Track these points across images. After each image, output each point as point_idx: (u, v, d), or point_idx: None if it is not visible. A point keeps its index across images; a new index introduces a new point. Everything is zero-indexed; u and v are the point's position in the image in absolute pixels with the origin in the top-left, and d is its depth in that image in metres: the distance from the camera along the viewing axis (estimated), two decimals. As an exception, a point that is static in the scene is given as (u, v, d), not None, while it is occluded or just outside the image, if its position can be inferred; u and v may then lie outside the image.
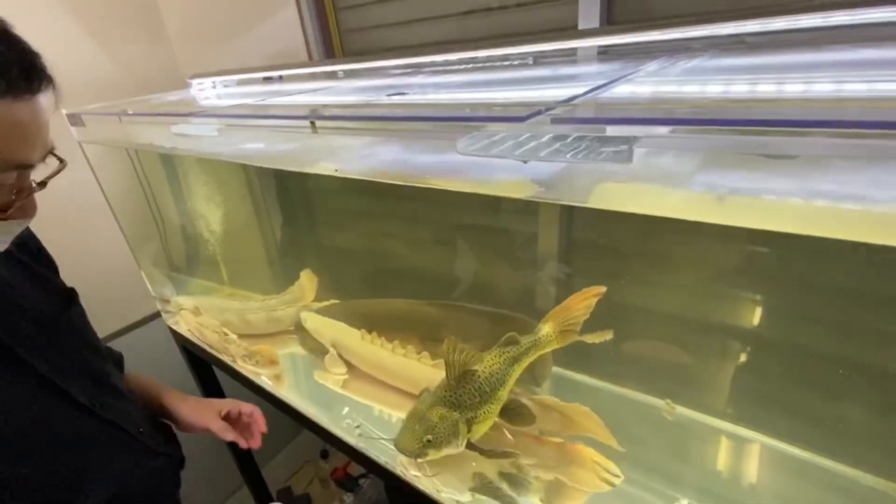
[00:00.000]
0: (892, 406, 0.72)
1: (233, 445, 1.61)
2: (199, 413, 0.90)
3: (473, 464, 0.84)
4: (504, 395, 0.78)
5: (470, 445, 0.77)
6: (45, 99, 0.49)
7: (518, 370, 0.80)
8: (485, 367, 0.76)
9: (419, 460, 0.74)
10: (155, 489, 0.78)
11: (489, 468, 0.84)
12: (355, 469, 1.76)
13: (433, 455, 0.73)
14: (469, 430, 0.74)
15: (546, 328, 0.80)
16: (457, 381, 0.74)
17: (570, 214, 0.96)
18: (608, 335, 0.76)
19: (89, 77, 1.49)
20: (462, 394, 0.73)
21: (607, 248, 0.94)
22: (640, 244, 0.86)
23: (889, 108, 0.33)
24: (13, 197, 0.51)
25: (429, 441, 0.71)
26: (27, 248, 0.71)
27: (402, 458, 0.81)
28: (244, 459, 1.70)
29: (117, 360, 0.90)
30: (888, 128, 0.28)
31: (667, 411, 0.88)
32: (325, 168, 0.59)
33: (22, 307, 0.63)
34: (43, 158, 0.51)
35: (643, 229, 0.82)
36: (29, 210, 0.54)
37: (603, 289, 0.74)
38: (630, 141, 0.33)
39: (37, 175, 0.54)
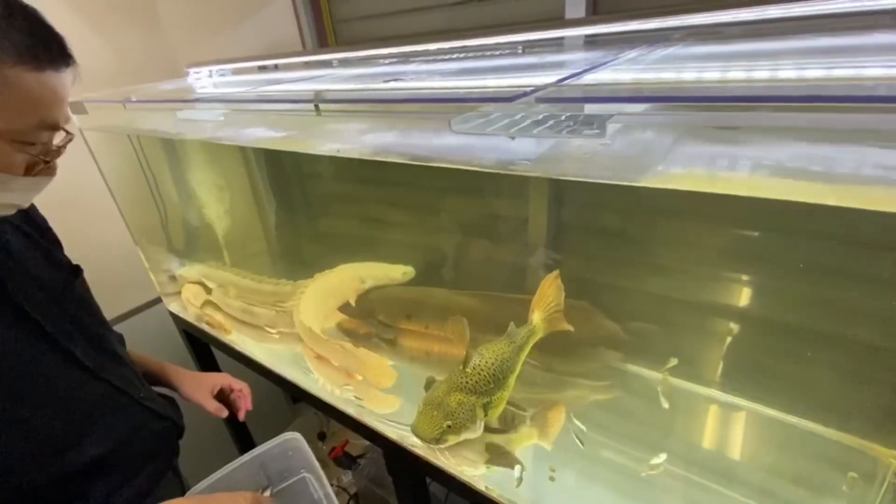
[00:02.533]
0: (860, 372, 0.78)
1: (232, 426, 1.66)
2: (195, 391, 0.97)
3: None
4: (513, 381, 0.81)
5: (491, 429, 0.81)
6: (71, 72, 0.58)
7: (522, 358, 0.83)
8: (497, 355, 0.78)
9: (439, 446, 0.76)
10: (154, 451, 0.83)
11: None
12: (353, 449, 1.81)
13: (453, 440, 0.74)
14: (485, 415, 0.77)
15: (535, 317, 0.83)
16: (472, 367, 0.76)
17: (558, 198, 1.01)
18: (569, 327, 0.84)
19: (85, 66, 1.50)
20: (478, 380, 0.75)
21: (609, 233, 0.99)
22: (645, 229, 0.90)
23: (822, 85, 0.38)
24: (43, 156, 0.59)
25: (449, 427, 0.72)
26: (36, 224, 0.78)
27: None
28: (243, 441, 1.74)
29: (119, 339, 0.95)
30: (819, 101, 0.33)
31: (663, 383, 0.93)
32: (329, 149, 0.63)
33: (33, 276, 0.69)
34: (66, 122, 0.60)
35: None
36: (53, 170, 0.63)
37: (556, 271, 0.81)
38: (603, 118, 0.38)
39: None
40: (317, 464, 0.83)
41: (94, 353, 0.74)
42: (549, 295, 0.83)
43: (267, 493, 0.80)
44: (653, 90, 0.40)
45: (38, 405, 0.65)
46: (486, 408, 0.75)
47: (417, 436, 0.74)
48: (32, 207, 0.80)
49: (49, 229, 0.81)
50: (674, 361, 0.86)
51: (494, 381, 0.76)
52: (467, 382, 0.75)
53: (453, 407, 0.73)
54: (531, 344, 0.84)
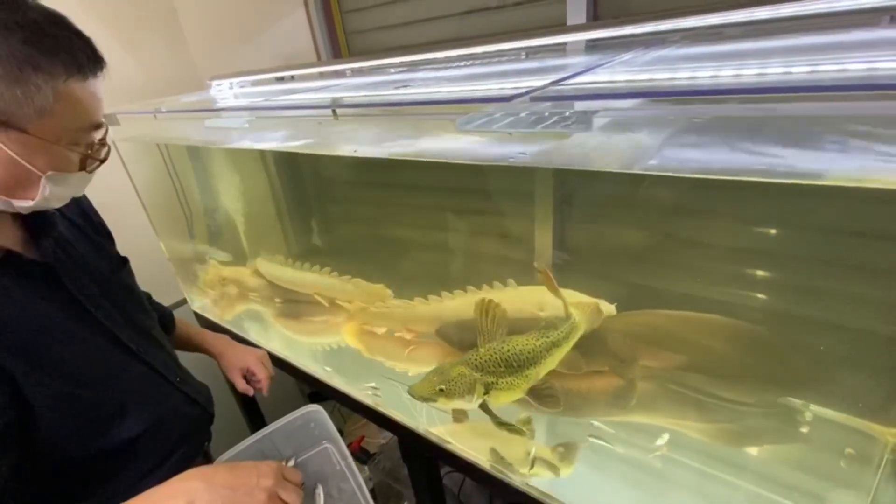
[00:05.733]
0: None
1: (251, 420, 1.72)
2: (229, 367, 1.06)
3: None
4: (535, 374, 0.82)
5: (488, 411, 0.82)
6: (104, 73, 0.64)
7: (557, 355, 0.83)
8: (519, 344, 0.81)
9: (428, 404, 0.81)
10: (186, 434, 0.89)
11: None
12: (369, 446, 1.87)
13: (442, 403, 0.78)
14: (486, 393, 0.80)
15: (576, 312, 0.84)
16: (487, 348, 0.80)
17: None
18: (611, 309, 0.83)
19: (113, 81, 1.60)
20: (488, 360, 0.79)
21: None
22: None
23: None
24: (90, 151, 0.65)
25: (441, 390, 0.77)
26: (89, 219, 0.86)
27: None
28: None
29: (168, 316, 1.07)
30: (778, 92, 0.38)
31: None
32: (345, 150, 0.69)
33: (82, 265, 0.77)
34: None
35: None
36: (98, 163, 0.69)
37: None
38: (589, 114, 0.43)
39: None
40: (338, 435, 0.87)
41: (137, 337, 0.81)
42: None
43: (290, 463, 0.83)
44: (635, 88, 0.45)
45: (84, 383, 0.71)
46: (488, 387, 0.79)
47: (411, 394, 0.79)
48: (87, 203, 0.89)
49: (101, 223, 0.90)
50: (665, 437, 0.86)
51: (506, 366, 0.79)
52: (476, 360, 0.79)
53: (452, 376, 0.78)
54: (573, 340, 0.84)
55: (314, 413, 0.87)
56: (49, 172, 0.61)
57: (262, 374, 1.05)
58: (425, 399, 0.79)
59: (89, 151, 0.65)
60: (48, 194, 0.62)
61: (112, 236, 0.91)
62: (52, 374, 0.67)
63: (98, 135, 0.67)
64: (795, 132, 0.45)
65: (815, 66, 0.62)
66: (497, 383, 0.80)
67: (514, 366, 0.80)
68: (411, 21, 1.37)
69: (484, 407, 0.82)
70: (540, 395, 0.83)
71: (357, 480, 0.82)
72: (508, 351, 0.80)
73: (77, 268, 0.75)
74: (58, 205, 0.68)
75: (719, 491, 0.83)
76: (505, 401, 0.83)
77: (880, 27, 0.73)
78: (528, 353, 0.80)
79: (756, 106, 0.38)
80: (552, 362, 0.83)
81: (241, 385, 1.04)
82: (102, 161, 0.69)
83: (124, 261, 0.89)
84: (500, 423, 0.84)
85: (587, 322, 0.85)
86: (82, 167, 0.66)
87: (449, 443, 0.96)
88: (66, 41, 0.58)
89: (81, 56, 0.59)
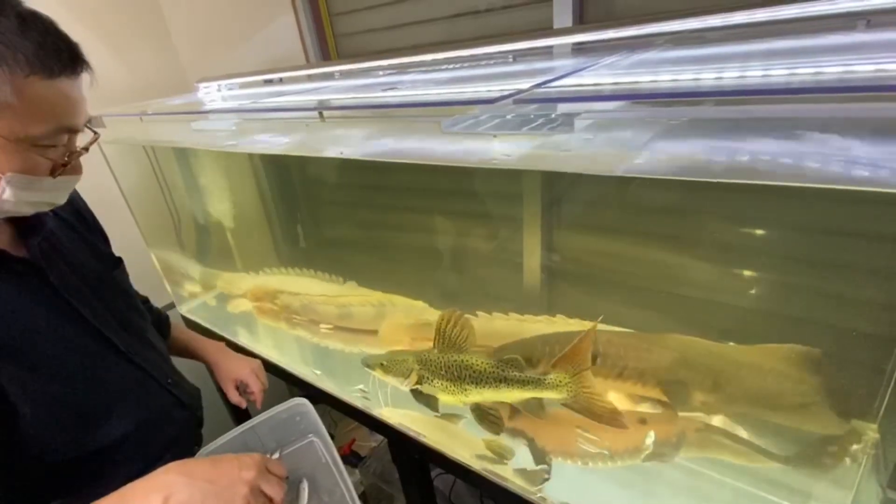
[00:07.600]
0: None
1: (240, 421, 1.71)
2: (224, 380, 1.05)
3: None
4: (473, 394, 0.84)
5: (420, 398, 0.91)
6: (85, 77, 0.61)
7: (509, 394, 0.81)
8: (465, 357, 0.84)
9: (367, 370, 0.96)
10: (176, 437, 0.88)
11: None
12: (360, 448, 1.86)
13: (378, 375, 0.94)
14: (419, 383, 0.89)
15: (554, 375, 0.75)
16: (438, 350, 0.86)
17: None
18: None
19: (99, 83, 1.59)
20: (432, 360, 0.87)
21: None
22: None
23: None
24: (66, 158, 0.63)
25: (382, 364, 0.92)
26: (83, 219, 0.86)
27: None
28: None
29: (164, 320, 1.06)
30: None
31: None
32: (332, 152, 0.69)
33: (72, 264, 0.75)
34: (84, 125, 0.64)
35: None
36: (77, 169, 0.67)
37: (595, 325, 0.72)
38: (571, 115, 0.44)
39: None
40: (324, 429, 0.86)
41: (128, 337, 0.80)
42: (581, 352, 0.73)
43: (275, 456, 0.82)
44: (617, 90, 0.46)
45: (70, 383, 0.70)
46: (421, 378, 0.89)
47: (362, 360, 0.97)
48: (81, 202, 0.88)
49: (95, 223, 0.89)
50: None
51: (446, 371, 0.86)
52: (424, 356, 0.88)
53: (397, 360, 0.91)
54: (537, 394, 0.78)
55: (300, 406, 0.86)
56: (8, 174, 0.58)
57: (256, 386, 1.04)
58: (368, 366, 0.95)
59: (66, 158, 0.62)
60: (9, 197, 0.59)
61: (106, 236, 0.91)
62: (37, 373, 0.66)
63: (80, 140, 0.64)
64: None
65: (793, 70, 0.64)
66: (431, 381, 0.88)
67: (454, 375, 0.86)
68: (400, 24, 1.38)
69: (416, 393, 0.91)
70: (483, 415, 0.87)
71: (343, 476, 0.82)
72: (452, 360, 0.86)
73: (66, 267, 0.74)
74: (29, 211, 0.66)
75: (706, 488, 0.84)
76: (443, 399, 0.90)
77: (856, 31, 0.75)
78: (471, 370, 0.84)
79: (735, 108, 0.39)
80: (503, 395, 0.82)
81: (235, 397, 1.03)
82: (65, 165, 0.63)
83: (118, 261, 0.89)
84: (434, 411, 0.91)
85: (577, 389, 0.76)
86: (52, 172, 0.62)
87: (440, 445, 0.96)
88: (38, 38, 0.56)
89: (52, 54, 0.56)
